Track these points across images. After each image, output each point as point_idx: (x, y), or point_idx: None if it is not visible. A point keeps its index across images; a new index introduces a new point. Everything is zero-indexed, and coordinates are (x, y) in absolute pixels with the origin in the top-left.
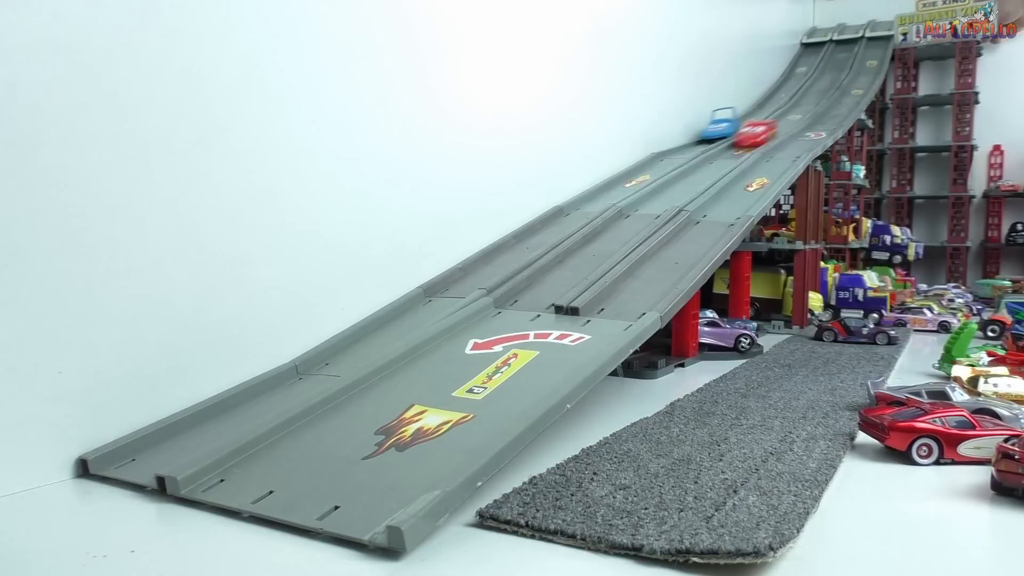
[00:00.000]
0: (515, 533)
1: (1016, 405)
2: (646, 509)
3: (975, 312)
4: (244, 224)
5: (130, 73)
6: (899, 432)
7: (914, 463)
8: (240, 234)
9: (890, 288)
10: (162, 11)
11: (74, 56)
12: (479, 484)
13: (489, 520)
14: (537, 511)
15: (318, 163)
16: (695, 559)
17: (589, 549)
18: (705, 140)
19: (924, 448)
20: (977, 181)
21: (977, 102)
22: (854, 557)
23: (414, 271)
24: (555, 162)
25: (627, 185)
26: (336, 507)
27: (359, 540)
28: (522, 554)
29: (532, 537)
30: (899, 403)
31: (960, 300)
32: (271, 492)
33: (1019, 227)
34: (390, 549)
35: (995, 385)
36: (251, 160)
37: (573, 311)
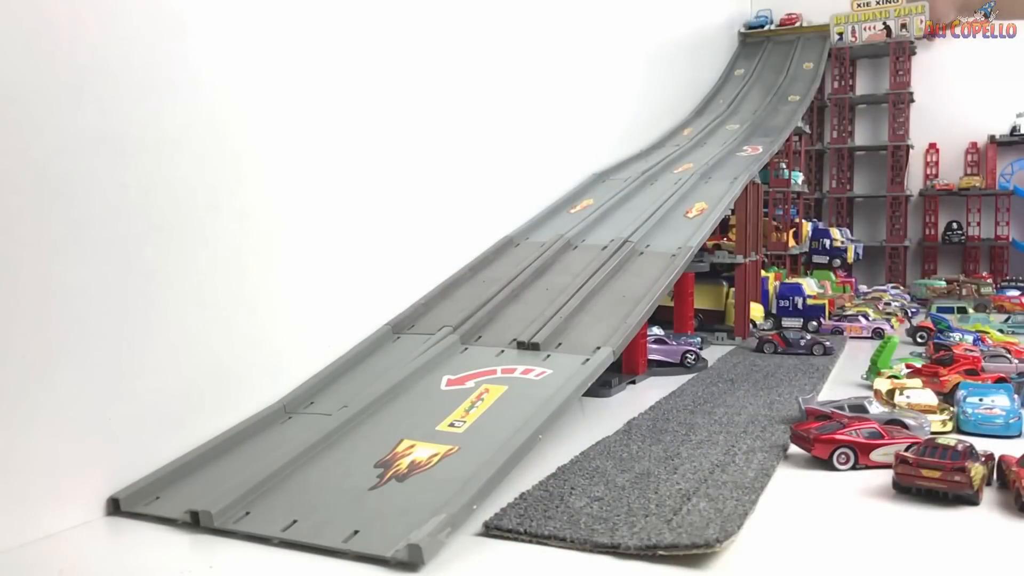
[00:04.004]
0: (516, 539)
1: (922, 415)
2: (618, 516)
3: (910, 316)
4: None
5: (129, 79)
6: (822, 444)
7: (835, 469)
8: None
9: (829, 294)
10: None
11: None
12: (475, 508)
13: (494, 530)
14: (532, 521)
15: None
16: (661, 552)
17: (577, 549)
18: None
19: (843, 456)
20: (914, 180)
21: (912, 101)
22: (785, 546)
23: (379, 308)
24: (501, 189)
25: (571, 211)
26: (356, 531)
27: (382, 556)
28: (524, 556)
29: (530, 542)
30: (825, 417)
31: (895, 304)
32: (295, 521)
33: (955, 226)
34: (409, 563)
35: (908, 397)
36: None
37: (534, 346)
